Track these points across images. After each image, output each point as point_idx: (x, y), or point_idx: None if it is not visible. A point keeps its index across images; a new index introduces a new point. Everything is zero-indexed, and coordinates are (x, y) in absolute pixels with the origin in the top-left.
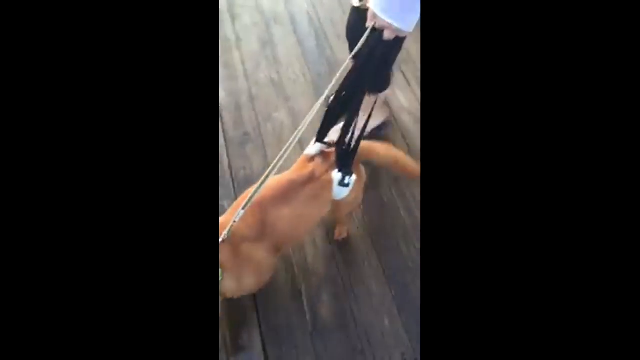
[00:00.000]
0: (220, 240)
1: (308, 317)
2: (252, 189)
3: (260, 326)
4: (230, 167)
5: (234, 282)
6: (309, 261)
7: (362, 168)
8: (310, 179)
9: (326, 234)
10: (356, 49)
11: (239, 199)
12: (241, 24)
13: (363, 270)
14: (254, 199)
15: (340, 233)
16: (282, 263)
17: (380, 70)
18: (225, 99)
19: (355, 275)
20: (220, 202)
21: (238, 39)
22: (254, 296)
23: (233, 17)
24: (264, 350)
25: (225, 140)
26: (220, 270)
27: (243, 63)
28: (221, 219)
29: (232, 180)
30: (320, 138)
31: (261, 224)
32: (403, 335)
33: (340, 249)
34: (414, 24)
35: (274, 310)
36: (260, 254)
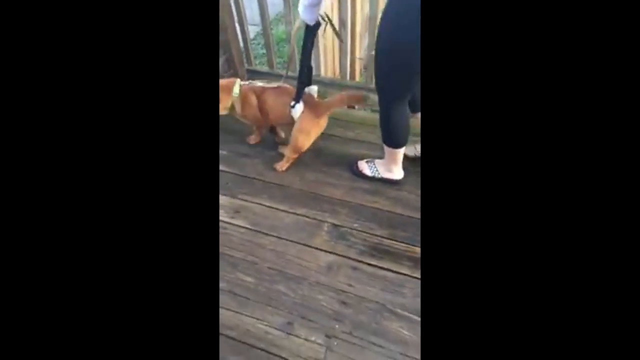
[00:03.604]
0: (248, 83)
1: None
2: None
3: None
4: None
5: (238, 103)
6: None
7: (325, 119)
8: (289, 93)
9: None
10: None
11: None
12: None
13: None
14: (253, 84)
15: (281, 166)
16: None
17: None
18: None
19: None
20: None
21: None
22: None
23: None
24: None
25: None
26: (236, 90)
27: None
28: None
29: None
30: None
31: (260, 95)
32: None
33: None
34: (308, 19)
35: None
36: (253, 100)
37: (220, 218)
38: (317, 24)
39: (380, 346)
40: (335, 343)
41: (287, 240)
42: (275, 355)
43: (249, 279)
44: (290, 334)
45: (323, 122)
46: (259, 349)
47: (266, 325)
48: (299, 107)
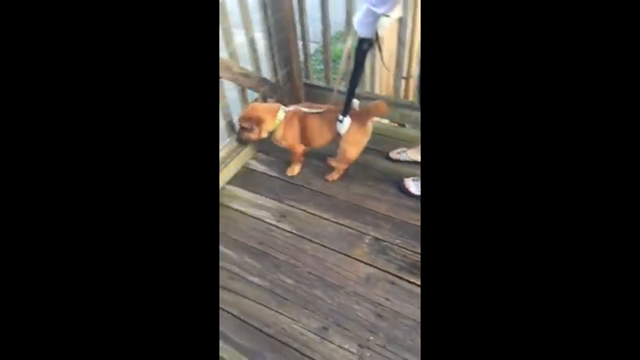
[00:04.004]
0: (291, 108)
1: None
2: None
3: None
4: None
5: (282, 128)
6: None
7: (367, 129)
8: (329, 111)
9: None
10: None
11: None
12: None
13: None
14: (298, 110)
15: (332, 177)
16: None
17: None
18: None
19: None
20: None
21: None
22: None
23: None
24: None
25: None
26: (280, 116)
27: None
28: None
29: None
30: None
31: (303, 121)
32: None
33: None
34: (366, 32)
35: None
36: (297, 126)
37: (267, 221)
38: (370, 44)
39: None
40: (368, 354)
41: (328, 248)
42: (309, 357)
43: (289, 280)
44: (324, 338)
45: (369, 130)
46: (294, 348)
47: (302, 327)
48: (347, 121)
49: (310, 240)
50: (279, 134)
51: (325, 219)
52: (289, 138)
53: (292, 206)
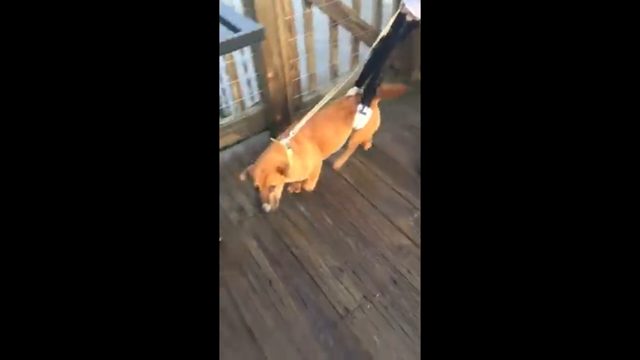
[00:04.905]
0: (291, 136)
1: None
2: (309, 112)
3: None
4: None
5: (298, 162)
6: None
7: (377, 110)
8: (342, 107)
9: None
10: (386, 27)
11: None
12: None
13: None
14: (309, 117)
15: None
16: None
17: (398, 43)
18: None
19: None
20: None
21: None
22: None
23: None
24: None
25: None
26: (289, 153)
27: None
28: (289, 127)
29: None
30: (357, 84)
31: (313, 130)
32: None
33: None
34: (413, 9)
35: None
36: (313, 147)
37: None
38: (405, 34)
39: (406, 334)
40: (368, 307)
41: (376, 208)
42: (317, 285)
43: (329, 221)
44: (337, 277)
45: (377, 113)
46: (308, 273)
47: (323, 260)
48: (369, 111)
49: (362, 196)
50: (296, 171)
51: (385, 182)
52: (310, 165)
53: (360, 161)
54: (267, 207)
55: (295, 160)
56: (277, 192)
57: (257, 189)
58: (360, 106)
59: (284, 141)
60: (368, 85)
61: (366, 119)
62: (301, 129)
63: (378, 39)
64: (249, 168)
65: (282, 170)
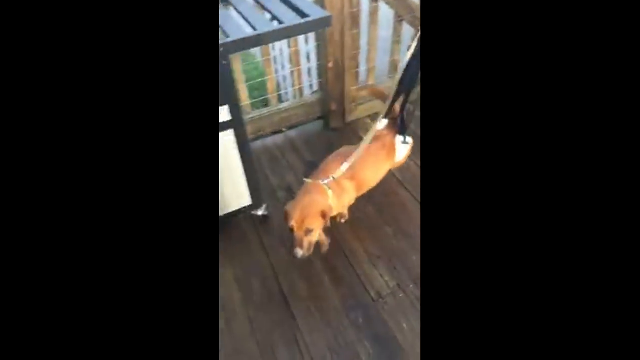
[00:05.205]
0: (332, 178)
1: None
2: (352, 155)
3: None
4: None
5: (336, 200)
6: None
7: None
8: (383, 145)
9: None
10: (412, 49)
11: (336, 157)
12: None
13: None
14: (340, 171)
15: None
16: None
17: None
18: None
19: None
20: None
21: None
22: None
23: None
24: None
25: None
26: (330, 195)
27: None
28: (327, 167)
29: None
30: (386, 115)
31: (352, 170)
32: None
33: None
34: None
35: None
36: (350, 186)
37: None
38: None
39: None
40: (401, 295)
41: (419, 202)
42: (353, 267)
43: (372, 210)
44: (373, 264)
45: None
46: (345, 256)
47: (361, 246)
48: (410, 139)
49: (407, 190)
50: (334, 211)
51: None
52: (347, 203)
53: (412, 160)
54: (299, 253)
55: (335, 201)
56: (314, 237)
57: (291, 229)
58: (401, 138)
59: (324, 182)
60: (401, 109)
61: (408, 147)
62: (343, 175)
63: (416, 40)
64: (287, 207)
65: (325, 215)
